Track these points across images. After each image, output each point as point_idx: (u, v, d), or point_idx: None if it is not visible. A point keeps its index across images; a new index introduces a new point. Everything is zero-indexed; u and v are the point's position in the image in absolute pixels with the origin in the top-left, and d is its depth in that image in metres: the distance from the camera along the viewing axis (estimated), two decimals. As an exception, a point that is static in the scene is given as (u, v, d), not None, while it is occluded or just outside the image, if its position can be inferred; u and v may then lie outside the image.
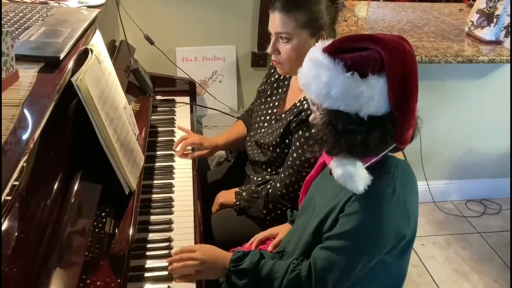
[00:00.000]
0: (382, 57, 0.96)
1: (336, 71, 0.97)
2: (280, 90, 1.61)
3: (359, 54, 0.97)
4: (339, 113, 0.99)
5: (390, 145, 1.03)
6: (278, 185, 1.48)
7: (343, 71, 0.96)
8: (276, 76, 1.64)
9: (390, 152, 1.06)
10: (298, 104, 1.46)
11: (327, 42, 1.03)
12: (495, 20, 2.20)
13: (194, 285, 1.17)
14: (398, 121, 0.99)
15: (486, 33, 2.24)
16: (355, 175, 1.01)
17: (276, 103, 1.60)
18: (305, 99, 1.44)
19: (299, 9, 1.36)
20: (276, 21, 1.39)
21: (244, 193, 1.55)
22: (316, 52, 1.02)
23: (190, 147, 1.68)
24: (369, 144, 1.00)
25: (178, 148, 1.65)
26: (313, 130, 1.37)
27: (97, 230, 1.12)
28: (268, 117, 1.61)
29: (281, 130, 1.48)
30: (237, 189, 1.59)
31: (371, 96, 0.95)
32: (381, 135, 1.00)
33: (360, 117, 0.98)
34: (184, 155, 1.64)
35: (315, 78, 0.99)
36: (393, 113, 0.98)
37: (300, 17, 1.37)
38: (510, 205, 2.67)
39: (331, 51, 0.99)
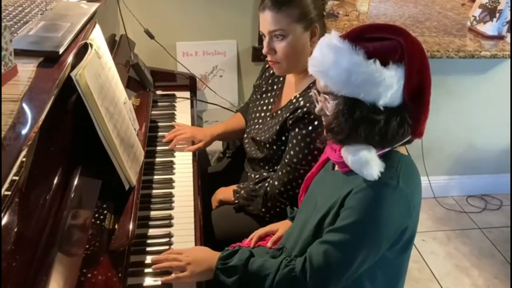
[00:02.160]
0: (403, 47, 0.97)
1: (358, 57, 0.97)
2: (275, 87, 1.60)
3: (381, 43, 0.98)
4: (356, 102, 0.99)
5: (406, 136, 1.03)
6: (276, 183, 1.47)
7: (365, 58, 0.96)
8: (271, 72, 1.62)
9: (401, 146, 1.07)
10: (294, 100, 1.45)
11: (338, 33, 1.03)
12: (497, 15, 2.18)
13: (194, 283, 1.17)
14: (414, 112, 1.01)
15: (489, 28, 2.22)
16: (371, 159, 1.00)
17: (272, 100, 1.59)
18: (301, 95, 1.43)
19: (290, 4, 1.36)
20: (268, 20, 1.38)
21: (242, 191, 1.55)
22: (333, 39, 1.01)
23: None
24: (387, 133, 1.00)
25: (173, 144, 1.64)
26: (310, 128, 1.37)
27: (97, 225, 1.11)
28: (263, 114, 1.60)
29: (277, 127, 1.46)
30: (235, 187, 1.58)
31: (390, 85, 0.96)
32: (400, 124, 1.00)
33: (375, 107, 0.98)
34: (180, 149, 1.63)
35: (335, 64, 0.98)
36: (406, 105, 0.99)
37: (292, 12, 1.36)
38: (510, 201, 2.67)
39: (351, 38, 0.99)
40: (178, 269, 1.16)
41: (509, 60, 2.26)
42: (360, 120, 0.99)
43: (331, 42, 1.01)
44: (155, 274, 1.17)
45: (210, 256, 1.19)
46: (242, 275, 1.12)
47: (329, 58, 0.99)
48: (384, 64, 0.97)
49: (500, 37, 2.21)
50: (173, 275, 1.15)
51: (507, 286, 2.18)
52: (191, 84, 2.04)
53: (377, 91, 0.96)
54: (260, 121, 1.60)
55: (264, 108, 1.60)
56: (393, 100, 0.98)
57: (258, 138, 1.54)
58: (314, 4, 1.40)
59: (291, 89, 1.52)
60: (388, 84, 0.96)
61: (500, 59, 2.25)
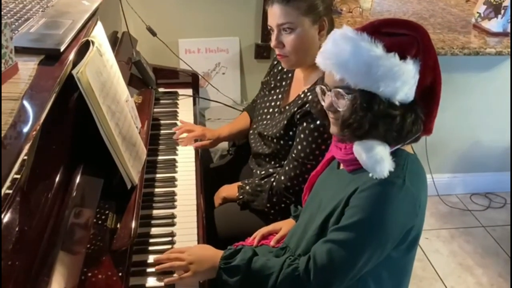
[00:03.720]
0: (419, 43, 0.97)
1: (378, 50, 0.95)
2: (283, 83, 1.60)
3: (398, 38, 0.97)
4: (373, 96, 0.97)
5: (418, 133, 1.02)
6: (282, 178, 1.47)
7: (384, 51, 0.95)
8: (280, 68, 1.62)
9: (410, 143, 1.06)
10: (302, 95, 1.45)
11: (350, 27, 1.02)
12: (502, 11, 2.16)
13: (197, 283, 1.16)
14: (425, 109, 1.00)
15: (493, 25, 2.20)
16: (386, 157, 0.99)
17: (280, 96, 1.59)
18: (309, 90, 1.42)
19: None
20: (276, 13, 1.38)
21: (247, 187, 1.54)
22: (347, 32, 0.99)
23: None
24: (403, 129, 0.99)
25: (181, 136, 1.66)
26: (318, 122, 1.37)
27: (99, 224, 1.10)
28: (271, 109, 1.60)
29: (285, 122, 1.46)
30: (240, 183, 1.58)
31: (407, 80, 0.95)
32: (414, 121, 0.99)
33: (391, 102, 0.96)
34: (187, 144, 1.64)
35: (354, 56, 0.96)
36: (417, 102, 0.99)
37: (301, 5, 1.36)
38: (510, 199, 2.65)
39: (369, 31, 0.98)
40: (181, 269, 1.15)
41: (514, 57, 2.24)
42: (379, 115, 0.98)
43: (346, 35, 0.99)
44: (157, 274, 1.16)
45: (213, 255, 1.17)
46: (244, 275, 1.11)
47: (346, 51, 0.97)
48: (403, 58, 0.96)
49: (505, 34, 2.19)
50: (175, 276, 1.14)
51: (511, 285, 2.17)
52: (193, 81, 2.03)
53: (395, 85, 0.95)
54: (268, 116, 1.59)
55: (273, 104, 1.60)
56: (408, 96, 0.97)
57: (265, 133, 1.54)
58: (319, 1, 1.39)
59: (299, 85, 1.52)
60: (405, 79, 0.95)
61: (505, 56, 2.23)
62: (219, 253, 1.17)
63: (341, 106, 1.02)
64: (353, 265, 1.03)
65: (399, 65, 0.95)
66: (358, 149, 1.02)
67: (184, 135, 1.68)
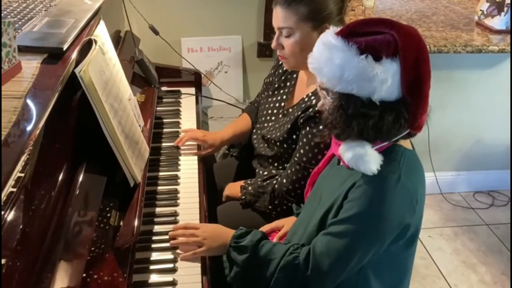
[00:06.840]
0: (396, 41, 0.96)
1: (350, 53, 0.96)
2: (288, 84, 1.59)
3: (373, 37, 0.97)
4: (351, 97, 0.98)
5: (403, 130, 1.02)
6: (284, 181, 1.46)
7: (357, 54, 0.96)
8: (284, 69, 1.61)
9: (401, 139, 1.06)
10: (306, 99, 1.44)
11: (335, 29, 1.03)
12: (505, 9, 2.16)
13: (200, 280, 1.17)
14: (412, 106, 0.99)
15: (496, 22, 2.20)
16: (365, 154, 1.00)
17: (284, 97, 1.58)
18: (313, 94, 1.42)
19: (300, 2, 1.34)
20: (278, 16, 1.38)
21: (249, 188, 1.54)
22: (328, 36, 1.01)
23: (194, 143, 1.66)
24: (382, 128, 0.99)
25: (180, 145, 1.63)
26: (320, 126, 1.37)
27: (102, 222, 1.11)
28: (275, 111, 1.59)
29: (289, 126, 1.46)
30: (242, 183, 1.58)
31: (385, 79, 0.95)
32: (395, 119, 0.99)
33: (372, 102, 0.97)
34: (189, 154, 1.61)
35: (328, 61, 0.98)
36: (405, 99, 0.98)
37: (301, 10, 1.35)
38: (510, 197, 2.65)
39: (344, 34, 0.99)
40: (195, 244, 1.21)
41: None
42: (354, 115, 0.99)
43: (326, 40, 1.01)
44: (160, 271, 1.17)
45: (224, 233, 1.23)
46: (251, 255, 1.15)
47: (324, 56, 1.00)
48: (378, 58, 0.96)
49: (508, 32, 2.19)
50: (190, 252, 1.20)
51: (515, 283, 2.17)
52: (196, 80, 2.03)
53: (371, 86, 0.96)
54: (273, 118, 1.59)
55: (277, 105, 1.59)
56: (389, 94, 0.97)
57: (268, 136, 1.54)
58: (327, 4, 1.37)
59: (303, 86, 1.51)
60: (381, 79, 0.95)
61: (507, 54, 2.22)
62: (230, 232, 1.22)
63: (327, 106, 1.05)
64: (350, 257, 1.05)
65: (371, 66, 0.95)
66: (342, 149, 1.05)
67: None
